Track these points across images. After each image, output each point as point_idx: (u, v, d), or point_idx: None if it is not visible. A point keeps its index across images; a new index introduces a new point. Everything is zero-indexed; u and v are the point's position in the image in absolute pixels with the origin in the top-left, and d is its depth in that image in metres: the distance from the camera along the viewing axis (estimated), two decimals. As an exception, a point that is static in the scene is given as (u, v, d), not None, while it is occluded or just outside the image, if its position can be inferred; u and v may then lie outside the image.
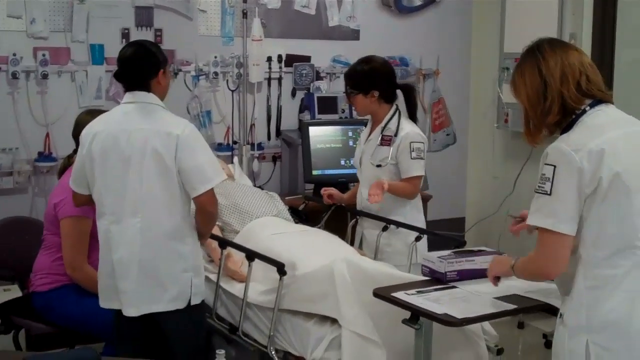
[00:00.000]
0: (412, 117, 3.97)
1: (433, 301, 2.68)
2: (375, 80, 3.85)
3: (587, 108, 2.35)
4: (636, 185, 2.28)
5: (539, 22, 5.19)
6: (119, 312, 3.24)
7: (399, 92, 3.98)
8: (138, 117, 3.18)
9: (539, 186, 2.30)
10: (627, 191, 2.26)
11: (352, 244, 4.13)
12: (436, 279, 2.95)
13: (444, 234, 3.84)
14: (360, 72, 3.88)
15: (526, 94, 2.39)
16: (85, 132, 3.25)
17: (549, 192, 2.27)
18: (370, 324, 3.02)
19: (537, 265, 2.38)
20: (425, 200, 5.11)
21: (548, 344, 4.67)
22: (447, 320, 2.54)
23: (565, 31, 5.07)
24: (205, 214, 3.24)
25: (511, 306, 2.66)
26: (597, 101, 2.36)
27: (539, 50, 2.39)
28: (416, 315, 2.65)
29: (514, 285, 2.85)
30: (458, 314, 2.55)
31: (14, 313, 3.87)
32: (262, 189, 4.96)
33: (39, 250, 3.79)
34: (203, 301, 3.36)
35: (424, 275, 3.03)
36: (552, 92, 2.34)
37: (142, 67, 3.21)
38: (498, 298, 2.74)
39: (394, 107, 3.93)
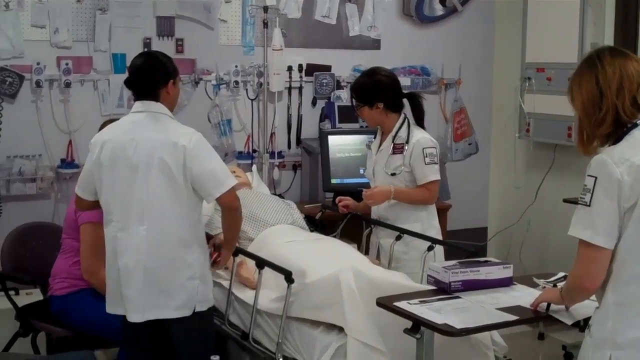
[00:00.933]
0: (420, 124, 4.00)
1: (434, 311, 2.69)
2: (379, 92, 3.89)
3: (639, 122, 2.31)
4: None
5: (561, 32, 5.18)
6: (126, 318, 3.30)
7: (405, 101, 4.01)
8: (146, 126, 3.25)
9: (580, 197, 2.29)
10: None
11: (366, 252, 4.15)
12: (441, 289, 2.95)
13: (455, 243, 3.84)
14: (363, 85, 3.94)
15: (582, 103, 2.36)
16: (95, 140, 3.33)
17: (588, 204, 2.26)
18: (376, 332, 3.04)
19: (574, 277, 2.37)
20: (445, 209, 5.11)
21: (568, 356, 4.64)
22: (446, 330, 2.54)
23: (586, 41, 5.05)
24: (230, 212, 3.30)
25: (512, 317, 2.66)
26: None
27: (598, 59, 2.35)
28: (417, 325, 2.66)
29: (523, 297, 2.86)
30: (458, 324, 2.56)
31: (33, 316, 3.96)
32: (283, 197, 5.00)
33: (58, 254, 3.87)
34: (211, 309, 3.40)
35: (430, 284, 3.04)
36: (607, 103, 2.30)
37: (151, 76, 3.27)
38: (501, 309, 2.74)
39: (402, 115, 3.96)
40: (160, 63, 3.30)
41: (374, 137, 4.11)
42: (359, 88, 3.95)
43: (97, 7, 4.69)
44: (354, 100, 3.99)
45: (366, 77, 3.97)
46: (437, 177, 3.90)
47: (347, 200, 4.26)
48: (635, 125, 2.31)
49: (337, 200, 4.33)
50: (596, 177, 2.25)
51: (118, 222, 3.24)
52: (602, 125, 2.32)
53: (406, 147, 3.88)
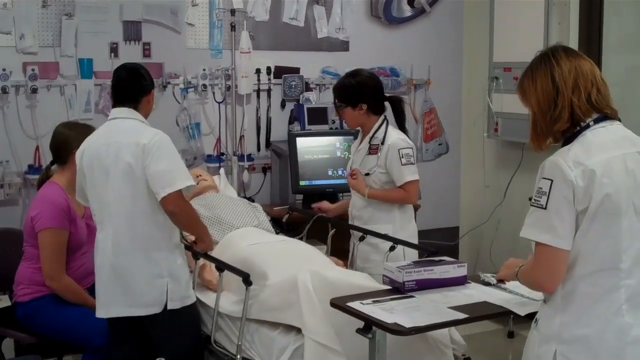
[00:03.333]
0: (402, 127, 4.02)
1: (386, 310, 2.71)
2: (363, 93, 3.90)
3: (592, 123, 2.32)
4: (626, 209, 2.26)
5: (527, 31, 5.22)
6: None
7: (387, 104, 4.02)
8: (118, 131, 3.41)
9: (535, 199, 2.29)
10: (617, 213, 2.25)
11: (332, 254, 4.17)
12: (396, 289, 2.98)
13: (416, 244, 3.86)
14: (348, 85, 3.93)
15: (537, 100, 2.35)
16: (78, 150, 3.50)
17: (544, 206, 2.25)
18: (332, 333, 3.07)
19: (534, 277, 2.37)
20: (415, 209, 5.12)
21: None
22: (396, 330, 2.57)
23: (551, 40, 5.08)
24: (170, 215, 3.34)
25: (462, 315, 2.69)
26: (602, 117, 2.33)
27: (553, 56, 2.34)
28: (369, 325, 2.68)
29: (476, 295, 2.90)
30: (407, 323, 2.58)
31: (-2, 323, 3.96)
32: (253, 199, 5.02)
33: (20, 261, 3.88)
34: (191, 307, 3.48)
35: (385, 284, 3.07)
36: (563, 100, 2.30)
37: (138, 83, 3.46)
38: (452, 307, 2.76)
39: (382, 117, 3.97)
40: (146, 73, 3.52)
41: (355, 138, 4.13)
42: (344, 89, 3.94)
43: (63, 12, 4.68)
44: (336, 101, 3.97)
45: (350, 77, 3.95)
46: (415, 177, 3.89)
47: (322, 204, 4.37)
48: (587, 126, 2.32)
49: (312, 205, 4.44)
50: (552, 180, 2.25)
51: (98, 224, 3.44)
52: (558, 122, 2.32)
53: (381, 148, 3.89)
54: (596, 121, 2.32)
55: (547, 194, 2.25)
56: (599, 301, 2.28)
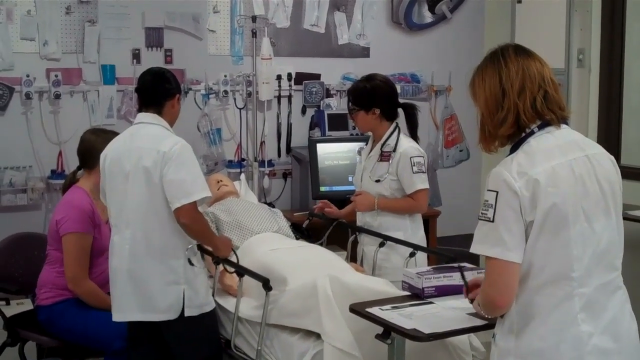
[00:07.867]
0: (414, 135, 4.02)
1: (405, 316, 2.71)
2: (376, 98, 3.91)
3: (536, 129, 2.26)
4: (574, 217, 2.20)
5: (548, 37, 5.21)
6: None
7: (400, 110, 4.03)
8: (140, 136, 3.45)
9: (482, 213, 2.23)
10: (565, 222, 2.19)
11: (351, 259, 4.18)
12: (415, 295, 2.98)
13: (436, 249, 3.85)
14: (362, 89, 3.95)
15: (485, 100, 2.30)
16: (102, 152, 3.56)
17: (492, 219, 2.19)
18: (351, 338, 3.06)
19: (488, 295, 2.28)
20: (435, 216, 5.13)
21: None
22: (415, 335, 2.56)
23: (573, 46, 5.08)
24: (182, 227, 3.36)
25: (482, 322, 2.67)
26: (546, 123, 2.28)
27: (502, 56, 2.31)
28: (388, 331, 2.68)
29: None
30: (426, 329, 2.58)
31: (21, 326, 4.00)
32: (273, 205, 5.04)
33: (44, 265, 3.92)
34: (209, 315, 3.50)
35: (404, 290, 3.07)
36: (509, 103, 2.25)
37: (162, 86, 3.49)
38: (471, 314, 2.75)
39: (394, 124, 3.99)
40: (172, 77, 3.54)
41: (366, 144, 4.14)
42: (358, 92, 3.97)
43: (86, 19, 4.74)
44: (350, 104, 4.01)
45: (365, 81, 3.98)
46: (425, 185, 3.89)
47: (329, 208, 4.31)
48: (532, 133, 2.26)
49: (315, 208, 4.36)
50: (497, 192, 2.19)
51: (114, 227, 3.48)
52: (504, 126, 2.26)
53: (393, 156, 3.90)
54: (540, 127, 2.27)
55: (493, 206, 2.19)
56: (553, 312, 2.22)
